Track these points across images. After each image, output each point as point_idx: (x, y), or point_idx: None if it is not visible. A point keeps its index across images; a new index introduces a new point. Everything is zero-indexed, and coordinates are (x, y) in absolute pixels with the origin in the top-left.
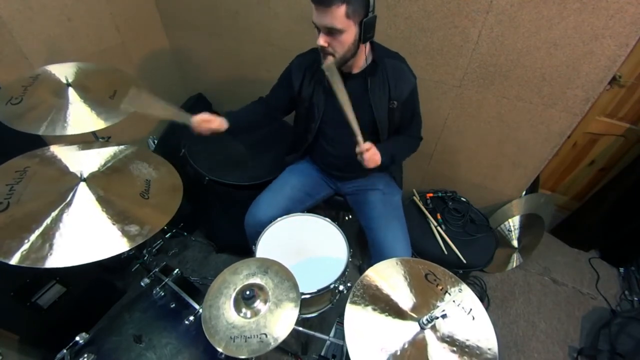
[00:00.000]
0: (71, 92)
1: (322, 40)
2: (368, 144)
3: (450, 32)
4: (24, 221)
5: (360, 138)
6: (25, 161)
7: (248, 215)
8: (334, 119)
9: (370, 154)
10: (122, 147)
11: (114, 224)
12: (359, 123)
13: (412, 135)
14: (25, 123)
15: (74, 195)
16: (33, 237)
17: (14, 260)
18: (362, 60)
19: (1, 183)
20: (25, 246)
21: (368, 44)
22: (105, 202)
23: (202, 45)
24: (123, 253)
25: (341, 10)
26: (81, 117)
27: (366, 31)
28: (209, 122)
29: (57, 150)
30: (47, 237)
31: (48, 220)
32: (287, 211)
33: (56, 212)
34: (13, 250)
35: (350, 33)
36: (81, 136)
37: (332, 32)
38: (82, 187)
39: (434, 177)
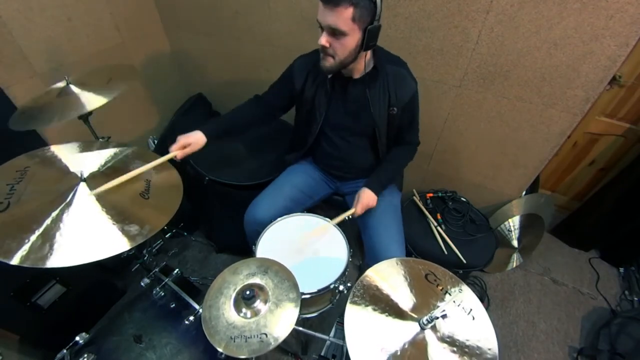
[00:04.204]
0: (73, 87)
1: (323, 40)
2: (358, 207)
3: (450, 32)
4: (25, 221)
5: (350, 213)
6: (26, 161)
7: (247, 214)
8: (335, 121)
9: (365, 207)
10: (122, 147)
11: (114, 224)
12: (360, 128)
13: (410, 142)
14: (35, 122)
15: (74, 195)
16: (33, 237)
17: (15, 261)
18: (363, 65)
19: (2, 182)
20: (26, 246)
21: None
22: (105, 202)
23: (202, 45)
24: (123, 253)
25: (348, 12)
26: (84, 99)
27: (369, 39)
28: (186, 148)
29: (57, 150)
30: (48, 237)
31: (48, 221)
32: (287, 211)
33: (56, 212)
34: (13, 251)
35: (354, 37)
36: (81, 136)
37: (335, 33)
38: (82, 187)
39: (434, 177)
